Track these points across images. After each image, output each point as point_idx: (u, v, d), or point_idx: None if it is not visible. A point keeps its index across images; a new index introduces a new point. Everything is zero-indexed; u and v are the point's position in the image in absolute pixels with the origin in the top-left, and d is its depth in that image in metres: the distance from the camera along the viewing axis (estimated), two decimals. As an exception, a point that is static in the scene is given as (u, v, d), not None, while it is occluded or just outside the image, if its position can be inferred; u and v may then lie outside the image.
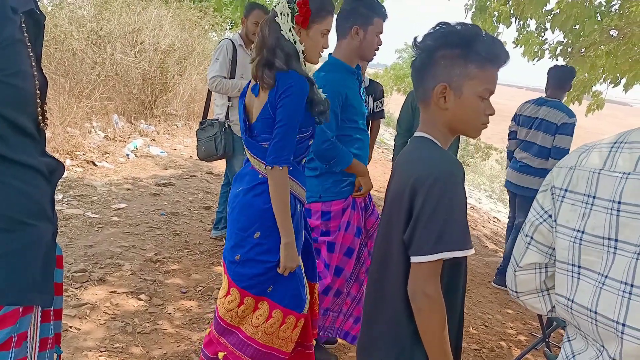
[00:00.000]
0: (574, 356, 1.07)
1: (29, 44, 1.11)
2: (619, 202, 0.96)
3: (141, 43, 8.12)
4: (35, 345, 1.21)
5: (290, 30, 1.86)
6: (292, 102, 1.81)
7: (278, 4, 1.89)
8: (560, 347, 3.62)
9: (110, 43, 7.71)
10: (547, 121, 3.99)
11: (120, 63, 7.88)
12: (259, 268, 1.88)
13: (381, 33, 2.60)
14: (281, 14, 1.85)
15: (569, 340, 1.12)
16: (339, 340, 3.01)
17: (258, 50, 1.90)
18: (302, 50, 1.90)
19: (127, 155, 6.53)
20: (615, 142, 1.03)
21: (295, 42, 1.87)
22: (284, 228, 1.86)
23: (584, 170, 1.04)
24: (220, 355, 1.98)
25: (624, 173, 0.97)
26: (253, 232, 1.88)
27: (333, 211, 2.57)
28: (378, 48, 2.63)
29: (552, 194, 1.11)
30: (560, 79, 4.08)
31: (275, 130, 1.85)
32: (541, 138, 4.04)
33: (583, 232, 1.02)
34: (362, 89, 2.73)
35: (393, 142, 4.17)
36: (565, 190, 1.07)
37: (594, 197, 1.01)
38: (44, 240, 1.14)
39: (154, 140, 7.59)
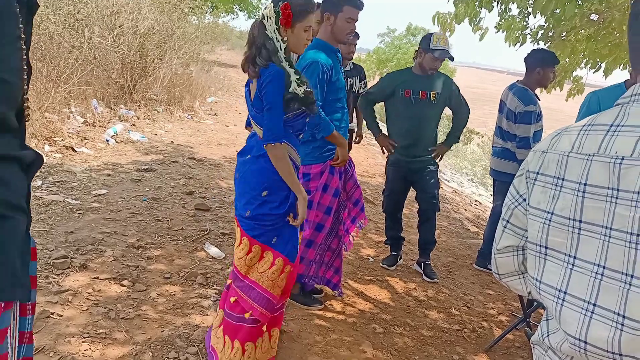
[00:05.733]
0: (548, 335, 1.10)
1: (23, 36, 1.09)
2: (585, 184, 0.99)
3: (120, 26, 7.96)
4: (15, 340, 1.19)
5: (274, 31, 2.18)
6: (273, 88, 2.13)
7: (265, 8, 2.21)
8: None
9: (88, 26, 7.55)
10: (509, 108, 4.03)
11: (99, 47, 7.73)
12: (266, 220, 2.24)
13: (354, 20, 2.98)
14: (267, 17, 2.17)
15: (546, 320, 1.14)
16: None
17: (248, 47, 2.22)
18: (285, 47, 2.21)
19: (107, 140, 6.43)
20: (584, 125, 1.05)
21: (278, 40, 2.18)
22: (294, 188, 2.23)
23: (555, 153, 1.07)
24: (232, 299, 2.35)
25: (589, 155, 0.99)
26: (261, 191, 2.23)
27: (312, 173, 3.01)
28: (351, 32, 3.04)
29: (527, 178, 1.13)
30: (526, 62, 4.10)
31: (264, 113, 2.17)
32: (505, 123, 4.08)
33: (552, 214, 1.05)
34: (341, 68, 3.09)
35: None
36: (537, 173, 1.10)
37: (563, 179, 1.04)
38: (21, 232, 1.12)
39: (134, 125, 7.49)
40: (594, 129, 1.02)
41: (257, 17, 2.31)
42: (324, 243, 3.21)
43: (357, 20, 3.01)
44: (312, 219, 3.07)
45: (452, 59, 3.84)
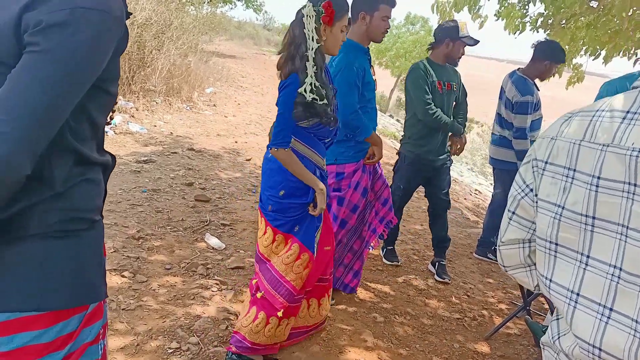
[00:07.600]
0: (559, 337, 1.03)
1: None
2: (598, 177, 0.90)
3: (117, 17, 7.90)
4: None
5: (312, 30, 2.18)
6: (285, 96, 2.19)
7: (304, 7, 2.21)
8: (540, 315, 3.70)
9: (85, 17, 7.49)
10: (507, 97, 4.04)
11: (96, 38, 7.66)
12: (287, 213, 2.34)
13: (389, 18, 2.98)
14: (307, 16, 2.19)
15: (557, 319, 1.07)
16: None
17: (287, 46, 2.23)
18: (319, 47, 2.21)
19: (106, 132, 6.41)
20: (597, 110, 0.96)
21: (313, 40, 2.18)
22: (310, 183, 2.30)
23: (565, 141, 0.98)
24: (254, 282, 2.50)
25: (603, 145, 0.90)
26: (279, 190, 2.33)
27: (346, 172, 3.03)
28: (386, 31, 3.04)
29: (534, 167, 1.05)
30: (535, 52, 4.08)
31: (276, 117, 2.22)
32: (504, 111, 4.08)
33: (563, 208, 0.97)
34: (372, 68, 3.08)
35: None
36: (546, 163, 1.01)
37: (575, 171, 0.95)
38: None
39: (133, 116, 7.46)
40: (608, 115, 0.92)
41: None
42: (345, 242, 3.21)
43: (391, 17, 3.02)
44: (340, 215, 3.08)
45: (478, 42, 3.64)
